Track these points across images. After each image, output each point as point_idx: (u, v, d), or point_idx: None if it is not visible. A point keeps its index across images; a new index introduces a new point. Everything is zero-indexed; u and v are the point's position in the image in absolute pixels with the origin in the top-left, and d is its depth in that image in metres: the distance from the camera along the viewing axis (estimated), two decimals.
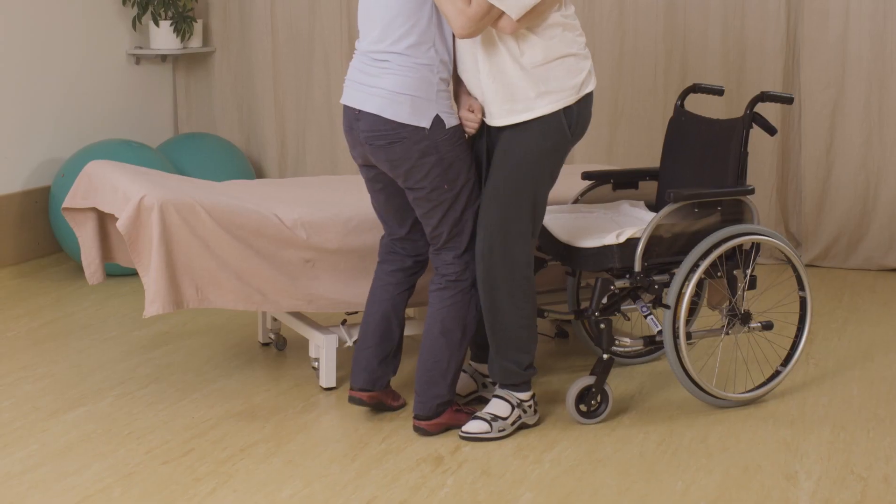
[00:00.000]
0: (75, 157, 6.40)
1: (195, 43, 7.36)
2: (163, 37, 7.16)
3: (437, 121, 4.07)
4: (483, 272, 4.19)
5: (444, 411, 4.29)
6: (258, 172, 7.55)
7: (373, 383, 4.40)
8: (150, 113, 7.48)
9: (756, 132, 4.54)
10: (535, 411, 4.36)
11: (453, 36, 4.15)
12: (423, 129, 4.06)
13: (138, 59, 7.31)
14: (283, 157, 7.55)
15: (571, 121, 4.15)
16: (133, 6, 7.11)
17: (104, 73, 7.10)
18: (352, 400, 4.40)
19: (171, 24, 7.13)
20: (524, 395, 4.32)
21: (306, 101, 7.43)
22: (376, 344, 4.39)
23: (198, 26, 7.31)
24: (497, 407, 4.30)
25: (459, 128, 4.15)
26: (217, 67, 7.60)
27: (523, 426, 4.34)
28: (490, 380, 4.52)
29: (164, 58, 7.47)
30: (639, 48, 6.85)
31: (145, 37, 7.27)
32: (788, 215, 6.85)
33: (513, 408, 4.30)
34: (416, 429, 4.29)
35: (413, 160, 4.08)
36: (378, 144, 4.10)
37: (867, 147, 6.59)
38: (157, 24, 7.12)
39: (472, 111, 4.21)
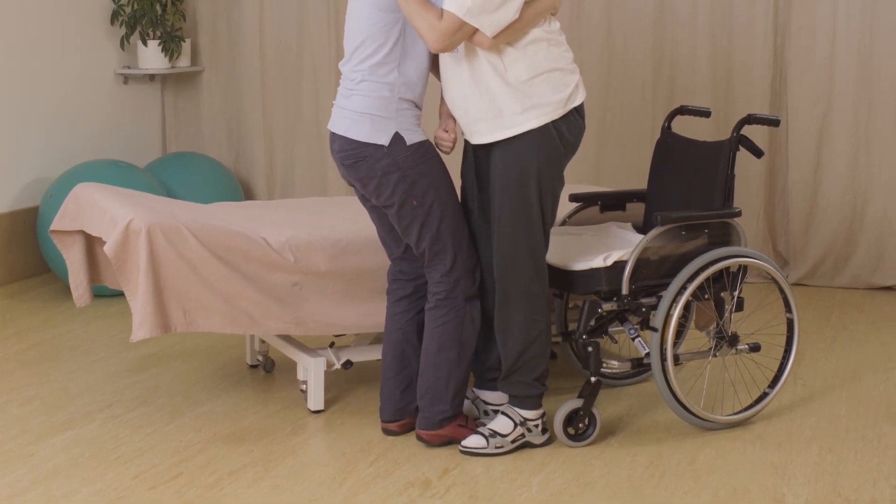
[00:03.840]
0: (63, 177, 6.40)
1: (183, 62, 7.36)
2: (151, 56, 7.17)
3: (397, 138, 4.12)
4: (497, 288, 4.22)
5: (448, 424, 4.33)
6: (247, 191, 7.55)
7: (400, 413, 4.46)
8: (139, 132, 7.48)
9: (743, 153, 4.55)
10: (544, 431, 4.36)
11: (434, 59, 4.19)
12: (382, 146, 4.12)
13: (127, 79, 7.32)
14: (272, 176, 7.55)
15: (562, 134, 4.16)
16: (121, 26, 7.12)
17: (92, 93, 7.10)
18: (384, 431, 4.48)
19: (160, 44, 7.13)
20: (530, 414, 4.33)
21: (295, 120, 7.43)
22: (395, 375, 4.44)
23: (186, 45, 7.32)
24: (499, 423, 4.32)
25: (424, 144, 4.19)
26: (205, 86, 7.60)
27: (527, 445, 4.34)
28: (492, 407, 4.52)
29: (152, 77, 7.47)
30: (627, 66, 6.87)
31: (134, 56, 7.27)
32: (776, 234, 6.87)
33: (515, 425, 4.31)
34: (419, 438, 4.36)
35: (378, 178, 4.15)
36: (347, 164, 4.20)
37: (854, 166, 6.61)
38: (145, 43, 7.13)
39: (447, 131, 4.26)
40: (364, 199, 4.34)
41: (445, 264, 4.25)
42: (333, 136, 4.23)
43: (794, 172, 6.70)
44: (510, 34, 4.06)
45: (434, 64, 4.27)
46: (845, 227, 6.67)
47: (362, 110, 4.14)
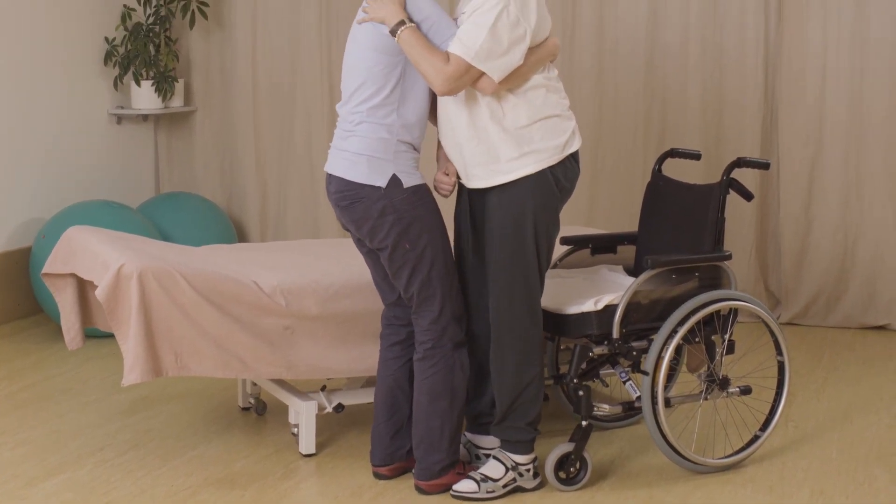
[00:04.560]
0: (56, 217, 6.41)
1: (177, 102, 7.39)
2: (144, 96, 7.19)
3: (395, 180, 4.13)
4: (493, 333, 4.22)
5: (447, 473, 4.33)
6: (239, 231, 7.56)
7: (390, 457, 4.46)
8: (132, 172, 7.49)
9: (733, 195, 4.57)
10: (535, 475, 4.36)
11: (433, 101, 4.20)
12: (380, 188, 4.12)
13: (120, 119, 7.33)
14: (265, 216, 7.56)
15: (558, 179, 4.18)
16: (115, 66, 7.15)
17: (86, 133, 7.12)
18: (375, 475, 4.48)
19: (153, 84, 7.15)
20: (522, 459, 4.32)
21: (287, 160, 7.45)
22: (386, 420, 4.44)
23: (179, 86, 7.34)
24: (490, 468, 4.31)
25: (421, 188, 4.19)
26: (199, 126, 7.62)
27: (518, 489, 4.34)
28: (485, 451, 4.51)
29: (145, 117, 7.49)
30: (618, 108, 6.90)
31: (127, 96, 7.29)
32: (768, 273, 6.88)
33: (507, 470, 4.30)
34: (417, 489, 4.34)
35: (373, 219, 4.15)
36: (342, 205, 4.20)
37: (845, 205, 6.64)
38: (138, 83, 7.15)
39: (447, 174, 4.27)
40: (360, 244, 4.34)
41: (433, 311, 4.24)
42: (330, 177, 4.23)
43: (786, 212, 6.72)
44: (513, 80, 4.07)
45: (431, 108, 4.29)
46: (837, 267, 6.69)
47: (360, 151, 4.14)
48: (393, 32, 4.03)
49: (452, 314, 4.25)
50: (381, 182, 4.12)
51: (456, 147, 4.20)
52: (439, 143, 4.31)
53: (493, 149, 4.12)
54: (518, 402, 4.26)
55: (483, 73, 4.00)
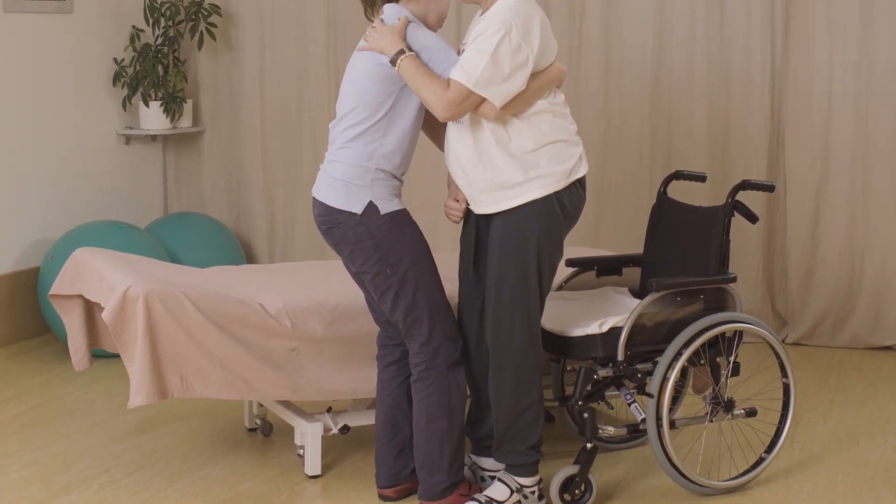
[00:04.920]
0: (64, 238, 6.43)
1: (185, 122, 7.42)
2: (153, 117, 7.22)
3: (371, 207, 4.15)
4: (491, 356, 4.23)
5: (450, 494, 4.32)
6: (247, 251, 7.58)
7: (395, 478, 4.47)
8: (141, 193, 7.52)
9: (738, 217, 4.58)
10: (540, 497, 4.36)
11: (417, 134, 4.23)
12: (356, 214, 4.15)
13: (128, 139, 7.36)
14: (273, 236, 7.59)
15: (563, 205, 4.18)
16: (123, 87, 7.18)
17: (94, 154, 7.15)
18: (380, 497, 4.48)
19: (161, 105, 7.18)
20: (527, 481, 4.32)
21: (295, 180, 7.47)
22: (388, 440, 4.45)
23: (188, 106, 7.37)
24: (495, 490, 4.31)
25: (399, 214, 4.20)
26: (207, 147, 7.65)
27: None
28: (489, 473, 4.52)
29: (154, 138, 7.52)
30: (624, 129, 6.91)
31: (135, 117, 7.32)
32: (775, 294, 6.89)
33: (511, 492, 4.30)
34: None
35: (351, 245, 4.19)
36: (323, 229, 4.26)
37: (852, 226, 6.64)
38: (146, 104, 7.18)
39: (458, 200, 4.28)
40: (347, 266, 4.38)
41: (423, 334, 4.25)
42: (314, 200, 4.29)
43: (792, 232, 6.73)
44: (516, 105, 4.09)
45: (438, 134, 4.31)
46: (843, 287, 6.69)
47: (339, 177, 4.18)
48: (393, 62, 4.05)
49: (444, 335, 4.26)
50: (357, 208, 4.15)
51: (462, 173, 4.21)
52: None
53: (499, 174, 4.13)
54: (516, 426, 4.27)
55: (484, 99, 4.02)
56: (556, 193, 4.16)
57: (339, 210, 4.17)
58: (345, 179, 4.17)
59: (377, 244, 4.16)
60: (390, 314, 4.26)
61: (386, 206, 4.17)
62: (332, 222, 4.20)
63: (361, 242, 4.16)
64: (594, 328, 4.36)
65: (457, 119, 4.10)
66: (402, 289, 4.20)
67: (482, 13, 4.16)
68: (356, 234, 4.16)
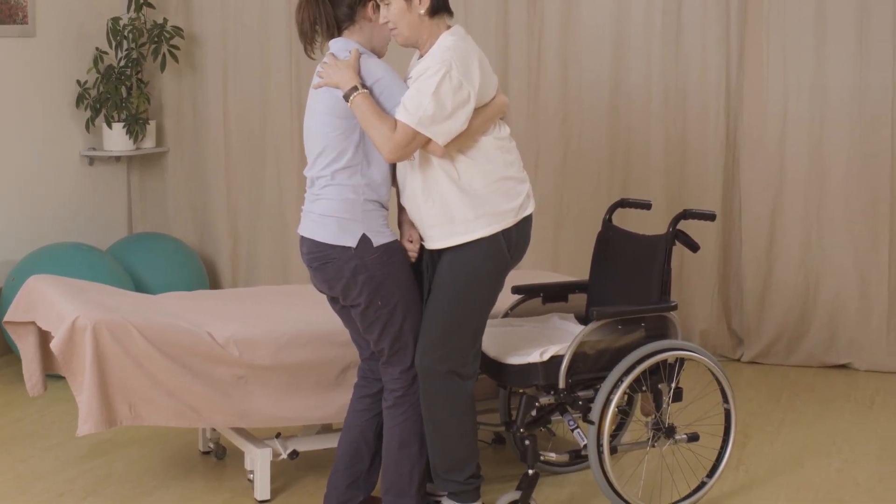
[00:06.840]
0: (27, 259, 6.48)
1: (148, 143, 7.47)
2: (116, 138, 7.27)
3: (364, 240, 4.17)
4: (423, 386, 4.27)
5: None
6: (211, 272, 7.64)
7: None
8: (105, 213, 7.57)
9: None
10: None
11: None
12: (350, 248, 4.16)
13: (92, 160, 7.41)
14: (236, 256, 7.64)
15: (511, 243, 4.24)
16: (86, 108, 7.23)
17: (58, 175, 7.19)
18: None
19: (124, 126, 7.23)
20: None
21: (258, 201, 7.53)
22: (344, 468, 4.49)
23: (151, 127, 7.43)
24: None
25: (392, 246, 4.23)
26: (171, 167, 7.70)
27: None
28: (436, 498, 4.57)
29: (117, 159, 7.57)
30: (583, 152, 6.98)
31: (99, 138, 7.37)
32: (731, 313, 6.97)
33: None
34: None
35: (346, 279, 4.19)
36: (314, 266, 4.25)
37: (806, 246, 6.73)
38: (110, 126, 7.23)
39: (412, 241, 4.32)
40: (333, 301, 4.39)
41: (405, 362, 4.30)
42: (302, 239, 4.27)
43: (748, 252, 6.81)
44: (461, 141, 4.14)
45: (391, 171, 4.36)
46: (798, 307, 6.78)
47: (328, 213, 4.18)
48: (346, 97, 4.10)
49: None
50: (352, 242, 4.17)
51: (415, 209, 4.25)
52: (400, 207, 4.36)
53: (449, 210, 4.18)
54: (449, 460, 4.33)
55: (430, 139, 4.08)
56: (504, 231, 4.22)
57: (333, 245, 4.18)
58: (336, 215, 4.17)
59: (371, 277, 4.18)
60: (375, 344, 4.30)
61: (378, 239, 4.19)
62: (325, 258, 4.20)
63: (356, 275, 4.17)
64: (535, 356, 4.42)
65: (405, 160, 4.15)
66: (391, 320, 4.24)
67: (420, 56, 4.23)
68: (351, 268, 4.17)
